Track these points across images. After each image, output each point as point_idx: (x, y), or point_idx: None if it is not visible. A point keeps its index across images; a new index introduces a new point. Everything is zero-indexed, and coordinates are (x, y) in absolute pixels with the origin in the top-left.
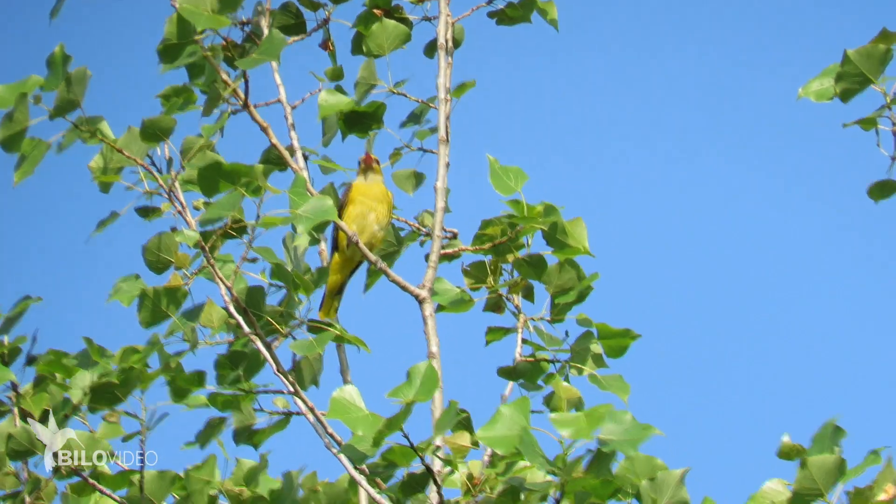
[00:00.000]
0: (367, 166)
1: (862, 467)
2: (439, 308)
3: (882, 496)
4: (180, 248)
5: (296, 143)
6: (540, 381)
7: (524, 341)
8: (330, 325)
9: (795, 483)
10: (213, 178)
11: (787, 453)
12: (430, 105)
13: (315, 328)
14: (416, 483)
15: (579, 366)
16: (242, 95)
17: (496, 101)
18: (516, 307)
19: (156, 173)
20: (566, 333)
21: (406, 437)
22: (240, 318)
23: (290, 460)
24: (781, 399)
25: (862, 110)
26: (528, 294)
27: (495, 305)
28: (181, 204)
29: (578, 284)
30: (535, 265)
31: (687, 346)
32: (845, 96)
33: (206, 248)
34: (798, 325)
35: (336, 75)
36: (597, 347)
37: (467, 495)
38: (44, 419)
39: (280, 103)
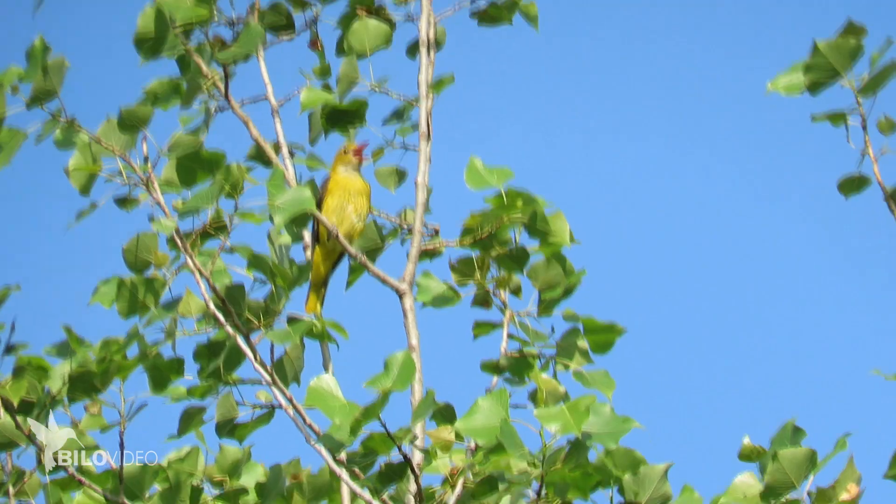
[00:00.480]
0: (359, 159)
1: (831, 455)
2: (424, 304)
3: (844, 496)
4: (159, 248)
5: (282, 140)
6: (526, 378)
7: (511, 336)
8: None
9: (767, 476)
10: (190, 167)
11: (747, 455)
12: (413, 103)
13: (293, 319)
14: (394, 473)
15: (565, 361)
16: (222, 88)
17: (480, 101)
18: (503, 302)
19: (133, 163)
20: (552, 329)
21: (383, 425)
22: (215, 310)
23: (272, 454)
24: (764, 393)
25: (832, 104)
26: (517, 290)
27: (483, 300)
28: (159, 193)
29: (565, 280)
30: (517, 259)
31: (669, 339)
32: (814, 89)
33: (182, 238)
34: (779, 319)
35: (324, 73)
36: (583, 343)
37: (445, 484)
38: (23, 408)
39: (267, 101)
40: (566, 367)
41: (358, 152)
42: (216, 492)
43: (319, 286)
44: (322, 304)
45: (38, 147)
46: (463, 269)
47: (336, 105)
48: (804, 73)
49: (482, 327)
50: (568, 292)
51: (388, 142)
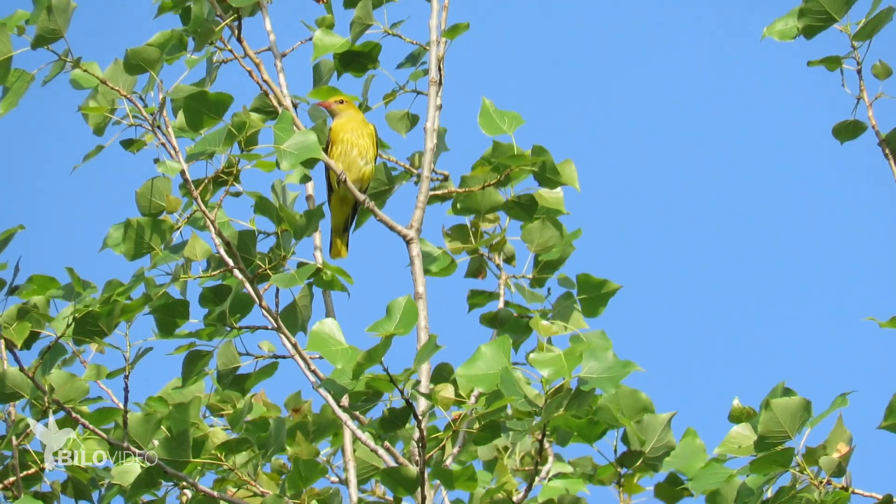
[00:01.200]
0: (330, 112)
1: (829, 411)
2: (427, 272)
3: (834, 455)
4: (172, 193)
5: (285, 90)
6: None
7: (507, 304)
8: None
9: (761, 426)
10: (197, 110)
11: (737, 416)
12: (427, 48)
13: (301, 264)
14: (396, 418)
15: (561, 323)
16: (236, 31)
17: (498, 47)
18: (497, 267)
19: (139, 104)
20: (548, 291)
21: (385, 369)
22: (223, 253)
23: (277, 401)
24: (760, 348)
25: (828, 52)
26: (511, 259)
27: (477, 270)
28: (165, 135)
29: (560, 243)
30: (525, 206)
31: (665, 297)
32: (808, 33)
33: (189, 181)
34: (774, 266)
35: (328, 25)
36: (577, 306)
37: (447, 430)
38: (30, 341)
39: (270, 52)
40: (562, 329)
41: (321, 106)
42: (217, 421)
43: (340, 232)
44: (347, 250)
45: (44, 88)
46: (457, 235)
47: (348, 47)
48: (798, 17)
49: (478, 297)
50: (563, 257)
51: (400, 86)
